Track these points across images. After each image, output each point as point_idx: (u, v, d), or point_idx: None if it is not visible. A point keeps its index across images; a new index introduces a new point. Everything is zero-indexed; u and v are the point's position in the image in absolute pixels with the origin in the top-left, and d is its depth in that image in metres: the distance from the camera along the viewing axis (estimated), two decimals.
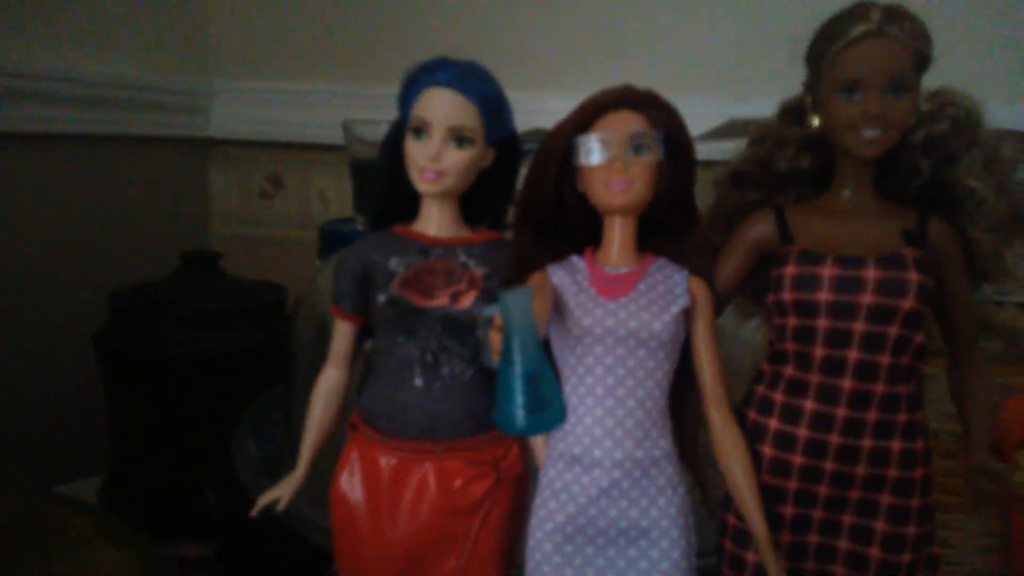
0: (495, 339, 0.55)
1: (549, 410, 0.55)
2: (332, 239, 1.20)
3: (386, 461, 0.71)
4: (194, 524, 1.13)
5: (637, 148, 0.66)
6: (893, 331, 0.63)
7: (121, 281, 1.22)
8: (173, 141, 1.51)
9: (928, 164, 0.66)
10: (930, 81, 0.67)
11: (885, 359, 0.63)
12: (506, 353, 0.54)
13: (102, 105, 1.32)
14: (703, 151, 1.11)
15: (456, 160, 0.68)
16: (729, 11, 1.38)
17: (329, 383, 0.75)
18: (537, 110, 1.15)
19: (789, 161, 0.69)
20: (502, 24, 1.46)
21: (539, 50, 1.45)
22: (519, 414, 0.54)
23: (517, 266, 0.71)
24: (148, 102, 1.43)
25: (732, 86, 1.30)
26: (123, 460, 1.20)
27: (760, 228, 0.69)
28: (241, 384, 1.15)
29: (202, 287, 1.20)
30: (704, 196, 0.81)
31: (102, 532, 1.01)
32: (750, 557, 0.68)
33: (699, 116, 1.20)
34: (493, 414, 0.56)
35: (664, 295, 0.67)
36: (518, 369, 0.54)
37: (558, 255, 0.71)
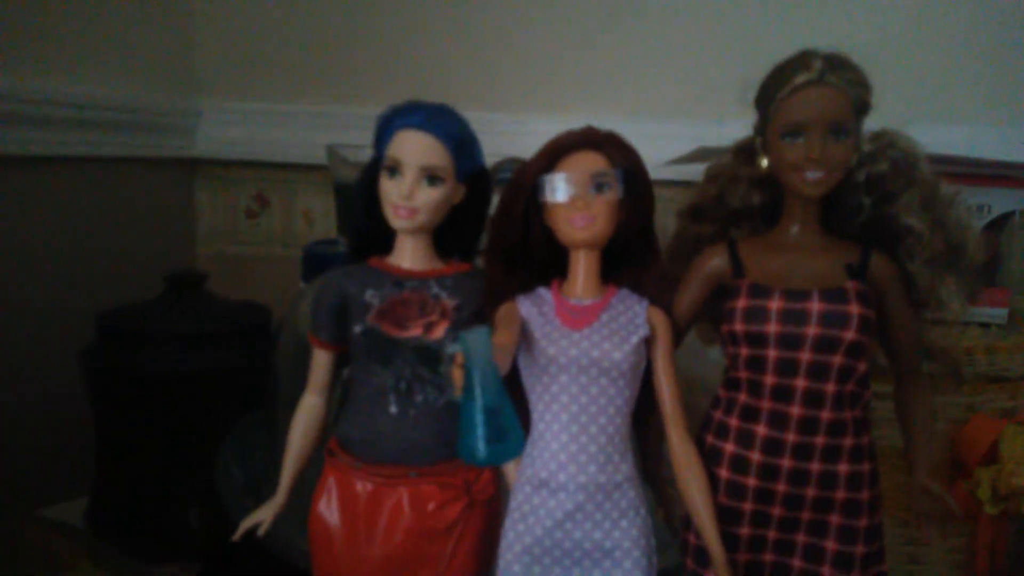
0: (457, 375, 0.58)
1: (508, 441, 0.59)
2: (315, 262, 1.23)
3: (362, 486, 0.74)
4: (177, 545, 1.14)
5: (598, 186, 0.70)
6: (837, 360, 0.67)
7: (108, 302, 1.24)
8: (159, 162, 1.53)
9: (869, 202, 0.70)
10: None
11: (830, 387, 0.67)
12: (467, 388, 0.58)
13: (88, 127, 1.34)
14: (676, 173, 1.14)
15: (428, 198, 0.72)
16: (702, 36, 1.41)
17: (308, 410, 0.78)
18: (518, 131, 1.18)
19: (741, 198, 0.73)
20: (483, 47, 1.49)
21: (519, 72, 1.48)
22: (480, 445, 0.58)
23: (488, 297, 0.75)
24: (134, 123, 1.44)
25: (706, 109, 1.34)
26: (108, 481, 1.21)
27: (715, 262, 0.73)
28: (225, 405, 1.17)
29: (186, 308, 1.22)
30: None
31: (85, 554, 1.03)
32: (709, 575, 0.71)
33: (673, 137, 1.24)
34: (456, 445, 0.59)
35: (625, 325, 0.71)
36: (479, 403, 0.57)
37: (526, 286, 0.75)
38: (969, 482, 0.98)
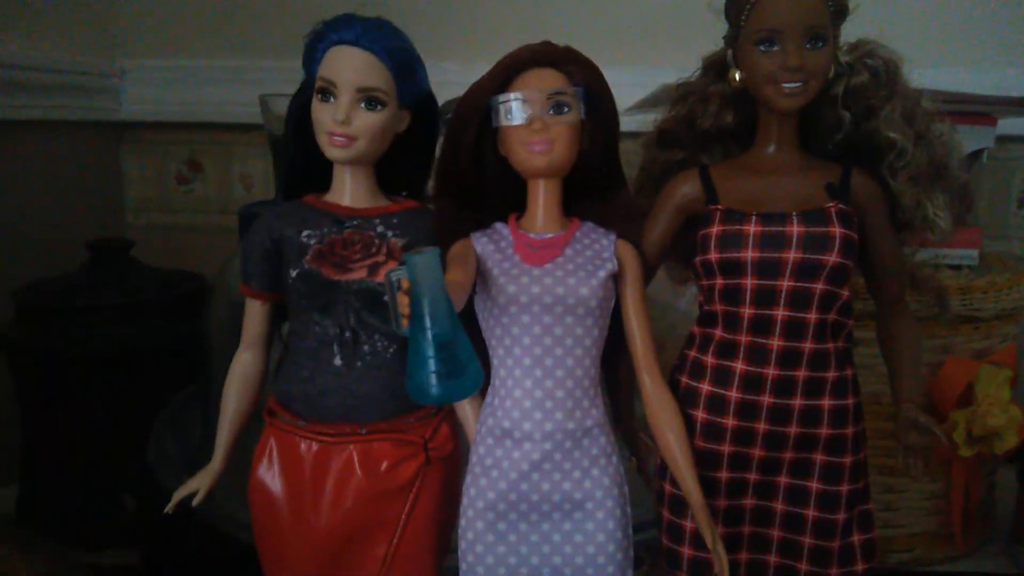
0: (403, 303, 0.51)
1: (464, 376, 0.52)
2: (253, 221, 1.14)
3: (306, 447, 0.67)
4: (114, 530, 1.07)
5: (558, 107, 0.63)
6: (818, 287, 0.62)
7: (31, 277, 1.14)
8: (82, 125, 1.42)
9: (849, 116, 0.65)
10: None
11: (812, 316, 0.62)
12: (416, 318, 0.51)
13: (3, 89, 1.23)
14: (639, 121, 1.08)
15: (367, 123, 0.64)
16: None
17: (243, 367, 0.70)
18: (464, 82, 1.11)
19: (713, 118, 0.68)
20: None
21: (466, 21, 1.41)
22: (432, 380, 0.51)
23: (440, 235, 0.68)
24: (53, 84, 1.33)
25: (668, 55, 1.28)
26: (38, 467, 1.13)
27: (685, 188, 0.67)
28: (159, 380, 1.09)
29: (113, 279, 1.13)
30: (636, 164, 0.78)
31: (14, 542, 0.95)
32: (687, 525, 0.67)
33: (634, 86, 1.18)
34: (405, 383, 0.53)
35: (591, 260, 0.65)
36: (429, 334, 0.51)
37: (481, 223, 0.68)
38: (944, 426, 0.95)
